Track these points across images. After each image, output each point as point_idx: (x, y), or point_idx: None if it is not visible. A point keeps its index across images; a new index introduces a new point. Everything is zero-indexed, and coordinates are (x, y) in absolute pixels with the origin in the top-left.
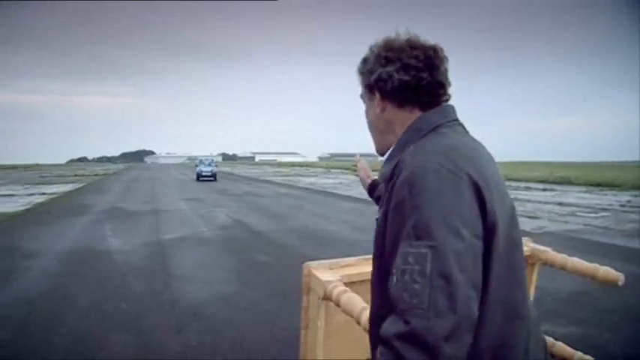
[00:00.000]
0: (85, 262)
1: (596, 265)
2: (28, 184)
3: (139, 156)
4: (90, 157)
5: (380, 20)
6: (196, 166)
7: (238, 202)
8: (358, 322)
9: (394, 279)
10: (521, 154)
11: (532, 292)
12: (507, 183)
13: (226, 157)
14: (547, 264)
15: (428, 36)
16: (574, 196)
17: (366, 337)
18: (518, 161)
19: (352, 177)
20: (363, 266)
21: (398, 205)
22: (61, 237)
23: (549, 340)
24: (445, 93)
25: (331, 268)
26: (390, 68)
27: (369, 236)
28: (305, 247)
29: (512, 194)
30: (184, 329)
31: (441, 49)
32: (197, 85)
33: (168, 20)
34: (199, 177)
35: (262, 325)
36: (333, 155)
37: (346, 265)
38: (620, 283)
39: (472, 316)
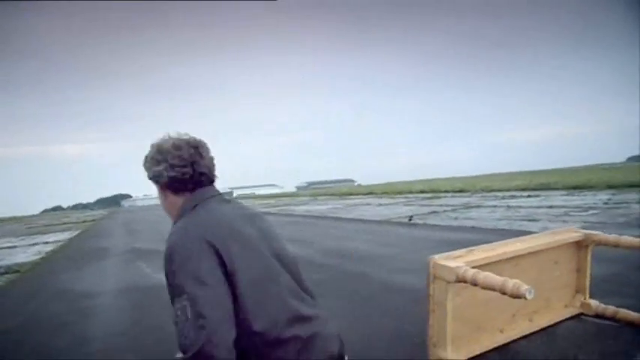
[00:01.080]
0: (150, 295)
1: None
2: (21, 235)
3: (115, 200)
4: (64, 205)
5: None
6: None
7: None
8: (504, 292)
9: (175, 327)
10: (496, 166)
11: (587, 273)
12: (493, 193)
13: None
14: (600, 244)
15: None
16: (559, 199)
17: (485, 313)
18: (494, 173)
19: (345, 202)
20: (473, 256)
21: (165, 275)
22: (103, 277)
23: (612, 308)
24: (209, 177)
25: (454, 258)
26: (160, 167)
27: (397, 250)
28: (348, 265)
29: (503, 203)
30: None
31: (203, 145)
32: (167, 123)
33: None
34: None
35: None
36: (310, 184)
37: (458, 257)
38: None
39: (224, 334)
